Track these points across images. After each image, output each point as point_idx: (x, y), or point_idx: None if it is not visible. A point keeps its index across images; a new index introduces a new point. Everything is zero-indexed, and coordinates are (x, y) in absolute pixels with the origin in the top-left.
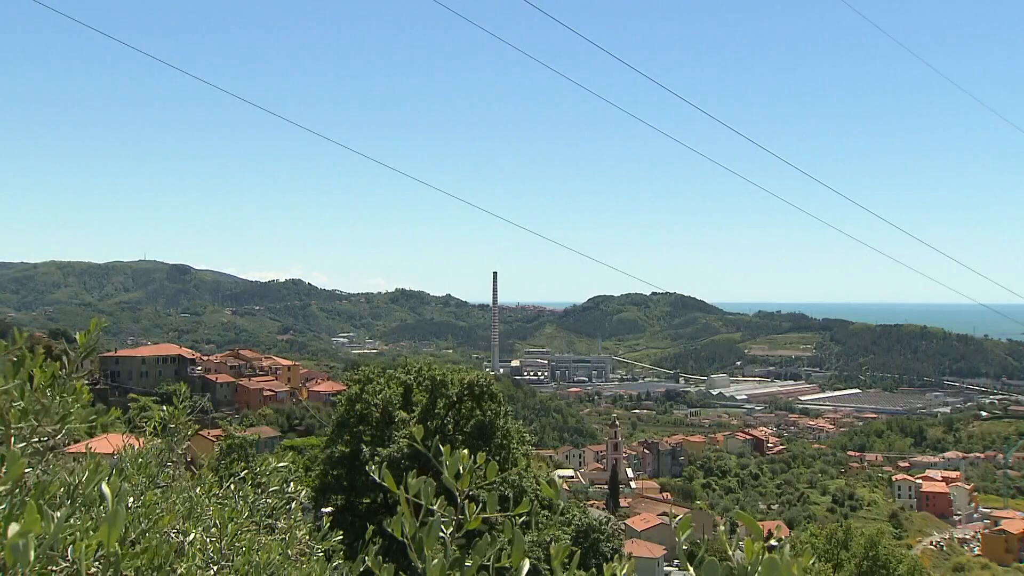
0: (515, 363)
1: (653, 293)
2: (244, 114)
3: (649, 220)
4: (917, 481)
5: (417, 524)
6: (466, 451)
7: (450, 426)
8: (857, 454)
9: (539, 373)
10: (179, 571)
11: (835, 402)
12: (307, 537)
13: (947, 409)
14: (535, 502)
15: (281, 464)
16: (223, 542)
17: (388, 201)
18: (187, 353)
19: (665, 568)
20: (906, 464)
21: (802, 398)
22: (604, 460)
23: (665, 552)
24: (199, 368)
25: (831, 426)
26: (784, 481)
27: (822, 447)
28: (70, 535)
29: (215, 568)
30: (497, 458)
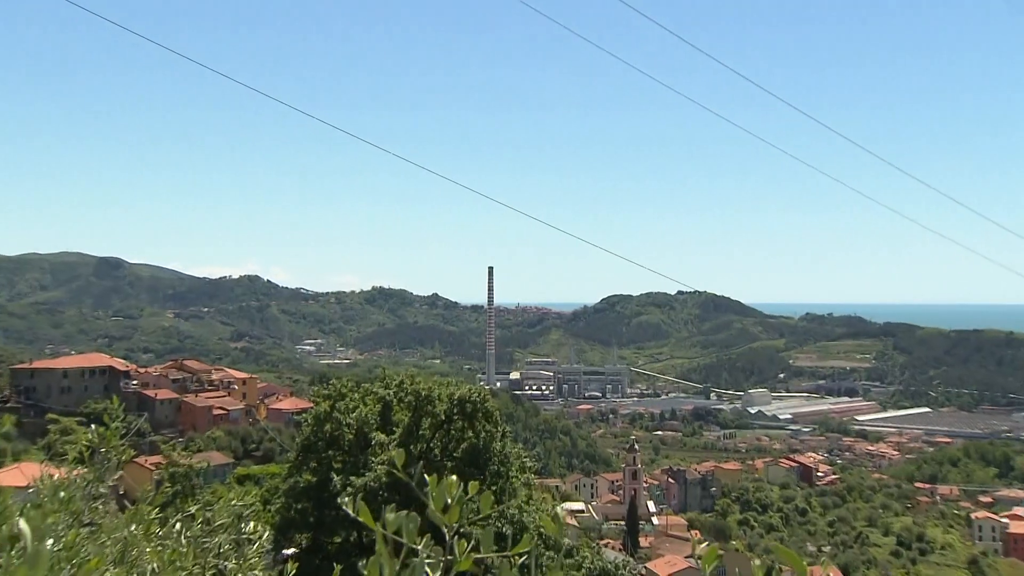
0: (514, 375)
1: (679, 292)
2: (185, 78)
3: (674, 208)
4: (1002, 520)
5: (398, 567)
6: (455, 479)
7: (437, 450)
8: (927, 486)
9: (543, 387)
10: None
11: (900, 423)
12: None
13: None
14: (538, 540)
15: (236, 499)
16: None
17: (362, 183)
18: (120, 364)
19: None
20: (988, 499)
21: (859, 418)
22: (621, 491)
23: None
24: (135, 383)
25: (895, 452)
26: (838, 518)
27: (884, 477)
28: None
29: None
30: (493, 488)
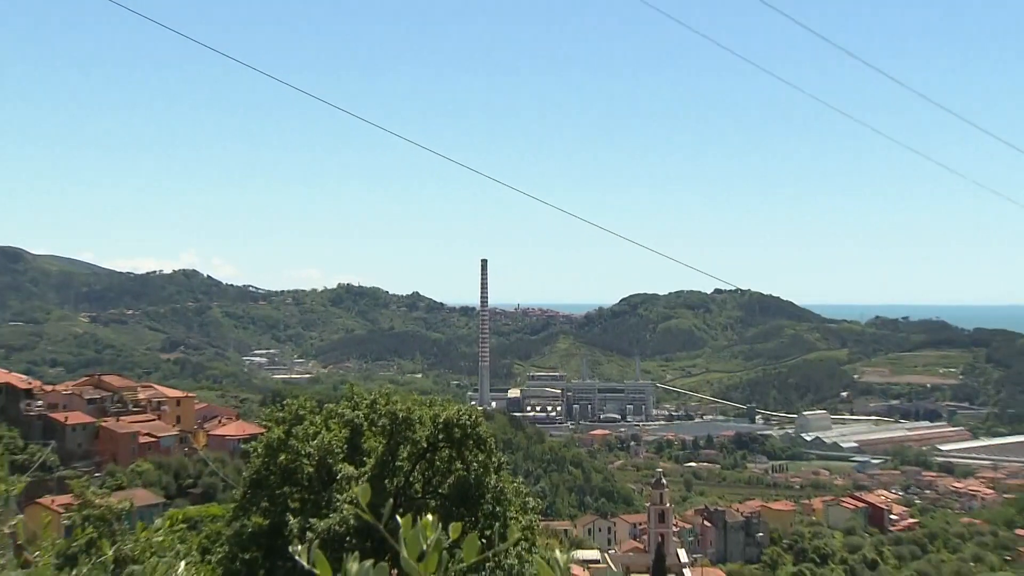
0: (514, 393)
1: (717, 292)
2: (96, 23)
3: (710, 190)
4: None
5: None
6: (432, 519)
7: (418, 485)
8: None
9: (550, 407)
10: None
11: (995, 454)
12: None
13: None
14: None
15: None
16: None
17: (326, 158)
18: (19, 381)
19: None
20: None
21: (943, 447)
22: (645, 537)
23: None
24: (39, 404)
25: (989, 490)
26: (917, 572)
27: (976, 522)
28: None
29: None
30: (487, 532)
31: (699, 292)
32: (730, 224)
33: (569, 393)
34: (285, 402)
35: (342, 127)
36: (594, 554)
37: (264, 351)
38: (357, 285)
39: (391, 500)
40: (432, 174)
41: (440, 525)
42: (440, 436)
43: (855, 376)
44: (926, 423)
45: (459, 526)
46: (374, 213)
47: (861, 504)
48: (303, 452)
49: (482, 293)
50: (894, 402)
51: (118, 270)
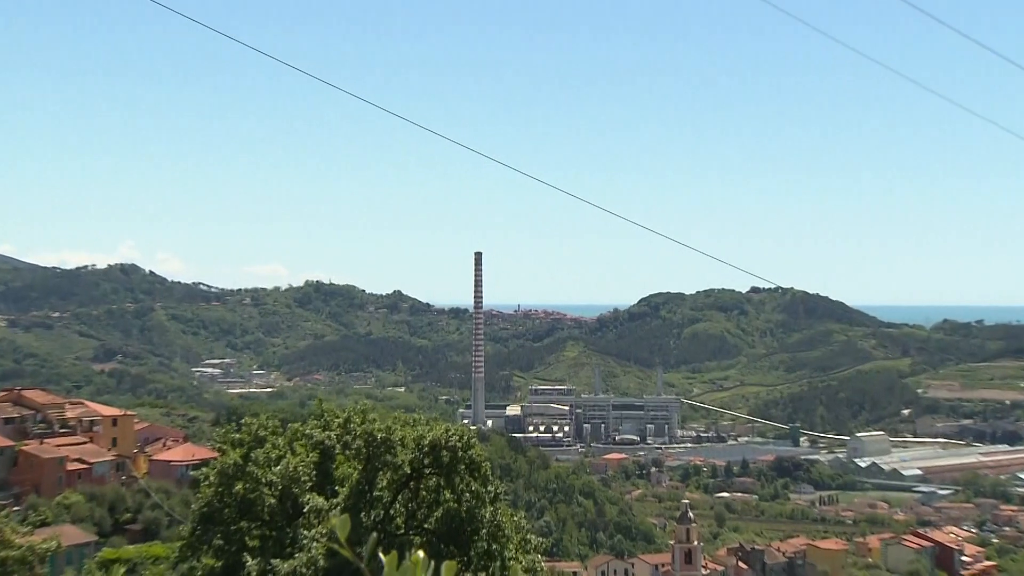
0: (514, 409)
1: (754, 291)
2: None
3: (744, 174)
4: None
5: None
6: (423, 556)
7: (400, 519)
8: None
9: (556, 426)
10: None
11: None
12: None
13: None
14: None
15: None
16: None
17: (292, 135)
18: None
19: None
20: None
21: None
22: None
23: None
24: None
25: None
26: None
27: None
28: None
29: None
30: (480, 574)
31: (733, 291)
32: (769, 213)
33: (579, 410)
34: (243, 421)
35: (309, 96)
36: None
37: (217, 361)
38: (328, 283)
39: (375, 534)
40: (417, 154)
41: (432, 565)
42: (426, 461)
43: (919, 391)
44: (1004, 447)
45: (453, 565)
46: (348, 199)
47: (926, 543)
48: (264, 480)
49: (476, 292)
50: (966, 421)
51: (42, 265)
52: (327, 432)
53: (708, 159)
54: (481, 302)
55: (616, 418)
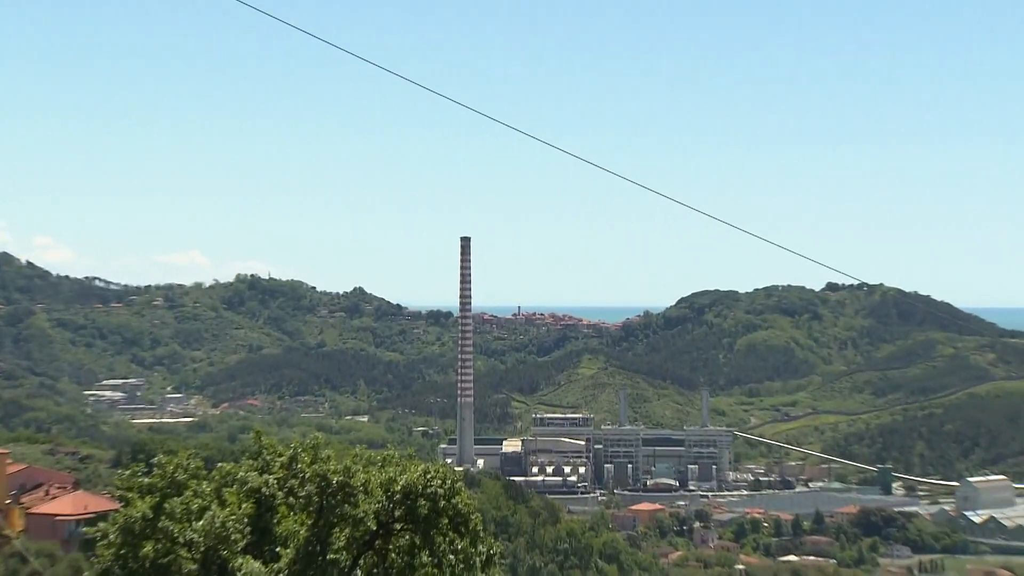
0: (513, 444)
1: (831, 288)
2: None
3: (814, 147)
4: None
5: None
6: None
7: None
8: None
9: (568, 467)
10: None
11: None
12: None
13: None
14: None
15: None
16: None
17: (214, 86)
18: None
19: None
20: None
21: None
22: None
23: None
24: None
25: None
26: None
27: None
28: None
29: None
30: None
31: (802, 289)
32: (851, 189)
33: (598, 445)
34: (154, 461)
35: (233, 31)
36: None
37: (119, 381)
38: (267, 278)
39: None
40: (384, 108)
41: None
42: (397, 513)
43: None
44: None
45: None
46: (291, 167)
47: None
48: (182, 539)
49: (463, 290)
50: None
51: None
52: (266, 475)
53: (765, 122)
54: (469, 303)
55: (648, 456)
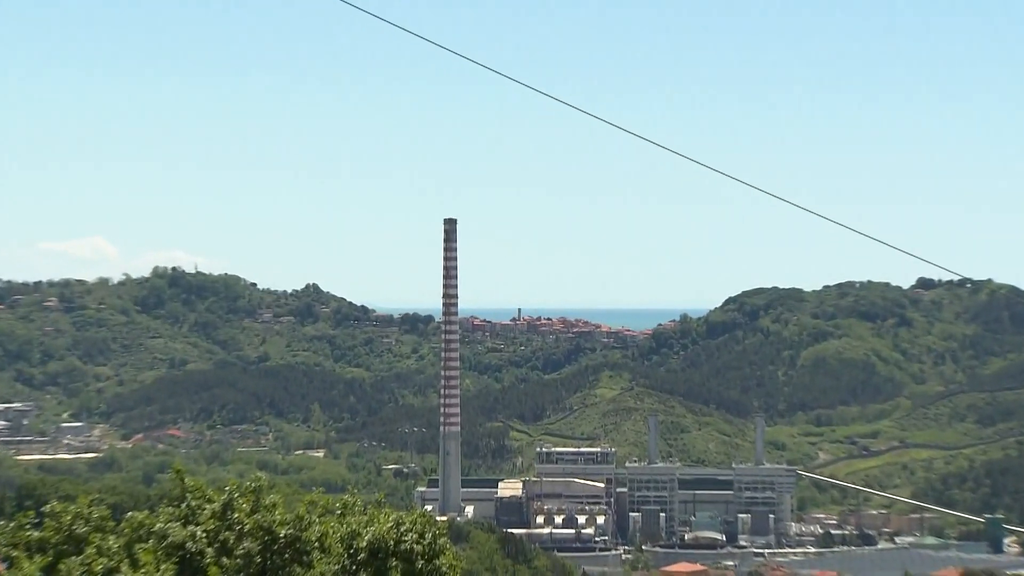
0: (511, 487)
1: (923, 284)
2: None
3: (902, 112)
4: None
5: None
6: None
7: None
8: None
9: (583, 516)
10: None
11: None
12: None
13: None
14: None
15: None
16: None
17: (123, 31)
18: None
19: None
20: None
21: None
22: None
23: None
24: None
25: None
26: None
27: None
28: None
29: None
30: None
31: (887, 286)
32: (949, 166)
33: (622, 489)
34: (45, 510)
35: None
36: None
37: (0, 406)
38: (193, 272)
39: None
40: (348, 56)
41: None
42: (362, 573)
43: None
44: None
45: None
46: (227, 134)
47: None
48: None
49: (447, 287)
50: None
51: None
52: (192, 527)
53: (832, 78)
54: (455, 304)
55: (686, 502)
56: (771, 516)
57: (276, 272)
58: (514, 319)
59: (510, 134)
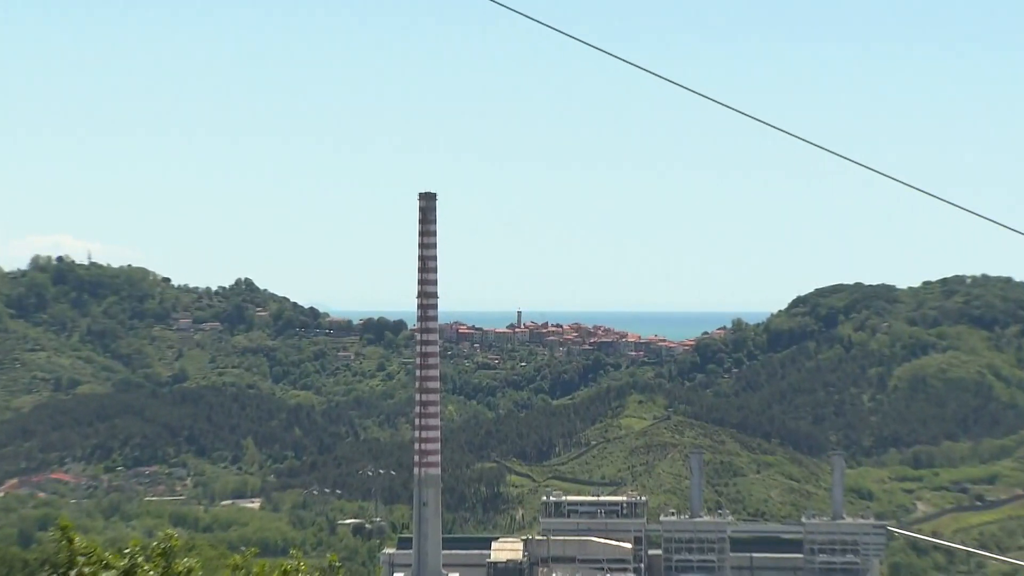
0: (509, 548)
1: None
2: None
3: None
4: None
5: None
6: None
7: None
8: None
9: None
10: None
11: None
12: None
13: None
14: None
15: None
16: None
17: None
18: None
19: None
20: None
21: None
22: None
23: None
24: None
25: None
26: None
27: None
28: None
29: None
30: None
31: (1008, 282)
32: None
33: (656, 551)
34: None
35: None
36: None
37: None
38: (86, 264)
39: None
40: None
41: None
42: None
43: None
44: None
45: None
46: (129, 91)
47: None
48: None
49: (424, 284)
50: None
51: None
52: None
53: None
54: (435, 305)
55: (742, 568)
56: None
57: (197, 264)
58: (512, 326)
59: (504, 99)
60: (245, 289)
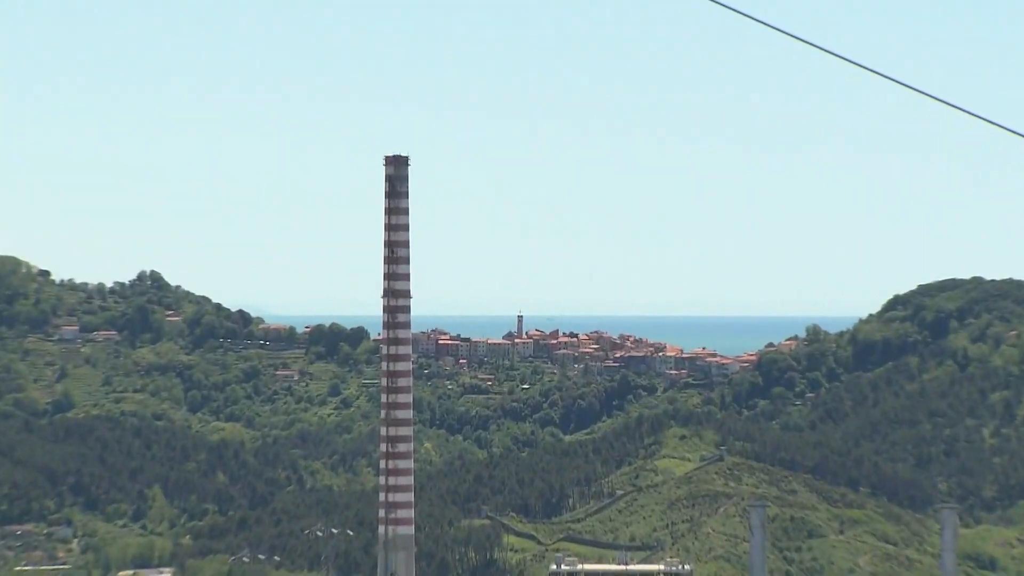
0: None
1: None
2: None
3: None
4: None
5: None
6: None
7: None
8: None
9: None
10: None
11: None
12: None
13: None
14: None
15: None
16: None
17: None
18: None
19: None
20: None
21: None
22: None
23: None
24: None
25: None
26: None
27: None
28: None
29: None
30: None
31: None
32: None
33: None
34: None
35: None
36: None
37: None
38: None
39: None
40: None
41: None
42: None
43: None
44: None
45: None
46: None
47: None
48: None
49: (391, 278)
50: None
51: None
52: None
53: None
54: (406, 307)
55: None
56: None
57: (86, 253)
58: (511, 335)
59: (502, 46)
60: (151, 286)
